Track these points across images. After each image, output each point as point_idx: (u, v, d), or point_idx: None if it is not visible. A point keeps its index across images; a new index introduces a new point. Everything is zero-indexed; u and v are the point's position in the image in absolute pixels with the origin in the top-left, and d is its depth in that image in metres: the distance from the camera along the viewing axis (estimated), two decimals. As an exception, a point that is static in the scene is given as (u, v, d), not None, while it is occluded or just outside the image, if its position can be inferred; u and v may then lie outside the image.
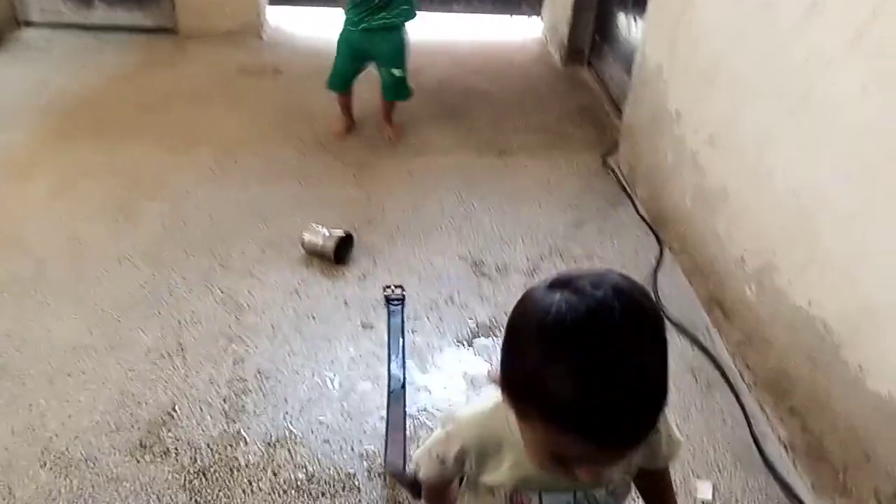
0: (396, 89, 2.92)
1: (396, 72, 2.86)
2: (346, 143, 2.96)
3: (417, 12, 2.81)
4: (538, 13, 4.39)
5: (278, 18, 4.13)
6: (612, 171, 2.88)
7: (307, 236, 2.27)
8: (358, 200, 2.60)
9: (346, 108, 3.03)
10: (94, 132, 2.91)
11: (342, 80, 2.92)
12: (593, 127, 3.26)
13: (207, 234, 2.35)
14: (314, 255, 2.27)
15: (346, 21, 2.80)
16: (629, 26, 3.28)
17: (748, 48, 1.95)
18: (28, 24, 3.84)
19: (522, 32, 4.36)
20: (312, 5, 4.17)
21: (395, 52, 2.82)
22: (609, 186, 2.79)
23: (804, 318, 1.64)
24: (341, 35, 2.84)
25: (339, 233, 2.27)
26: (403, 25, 2.79)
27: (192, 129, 2.99)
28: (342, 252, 2.26)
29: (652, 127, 2.57)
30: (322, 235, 2.26)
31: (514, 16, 4.43)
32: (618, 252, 2.41)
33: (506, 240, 2.43)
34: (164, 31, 3.89)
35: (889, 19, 1.40)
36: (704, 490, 1.62)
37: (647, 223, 2.53)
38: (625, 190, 2.75)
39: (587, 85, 3.71)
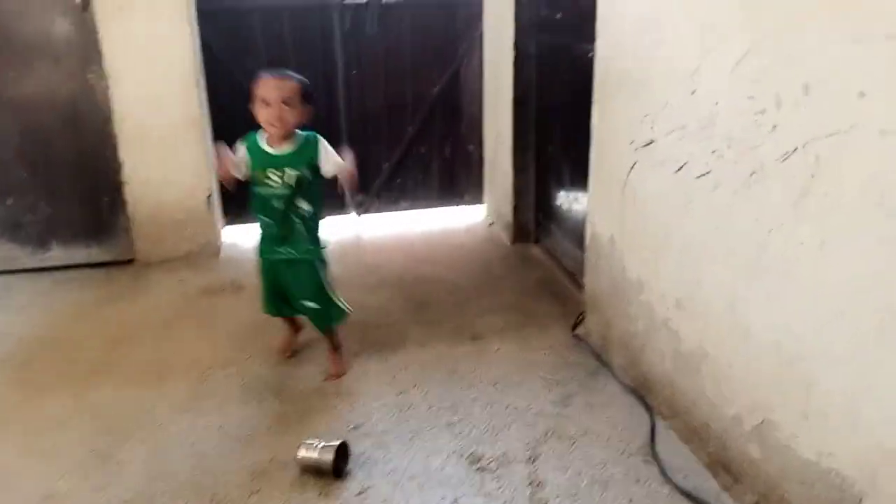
0: (319, 320, 2.73)
1: (310, 304, 2.67)
2: (321, 351, 2.96)
3: (327, 248, 2.70)
4: (480, 200, 4.67)
5: (232, 235, 4.26)
6: (584, 341, 2.95)
7: (301, 452, 2.20)
8: (341, 408, 2.57)
9: (289, 324, 2.90)
10: (60, 378, 2.83)
11: (271, 305, 2.75)
12: (555, 300, 3.38)
13: (193, 470, 2.25)
14: (310, 471, 2.19)
15: (258, 247, 2.67)
16: (570, 203, 3.52)
17: (695, 215, 2.11)
18: (-19, 272, 3.84)
19: (468, 219, 4.61)
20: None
21: (305, 286, 2.64)
22: (585, 358, 2.85)
23: (817, 472, 1.66)
24: (258, 252, 2.68)
25: (334, 443, 2.22)
26: (314, 262, 2.64)
27: (162, 359, 2.95)
28: (340, 464, 2.20)
29: (616, 296, 2.68)
30: (317, 449, 2.20)
31: (458, 206, 4.69)
32: (611, 424, 2.41)
33: (499, 428, 2.41)
34: (123, 262, 3.94)
35: (827, 180, 1.56)
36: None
37: (632, 390, 2.57)
38: (600, 360, 2.81)
39: (539, 261, 3.89)
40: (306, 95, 2.46)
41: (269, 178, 2.48)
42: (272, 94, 2.37)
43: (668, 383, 2.36)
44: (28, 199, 3.81)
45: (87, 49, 3.64)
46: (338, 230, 4.41)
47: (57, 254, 3.91)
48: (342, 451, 2.22)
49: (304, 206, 2.55)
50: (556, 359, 2.86)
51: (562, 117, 3.56)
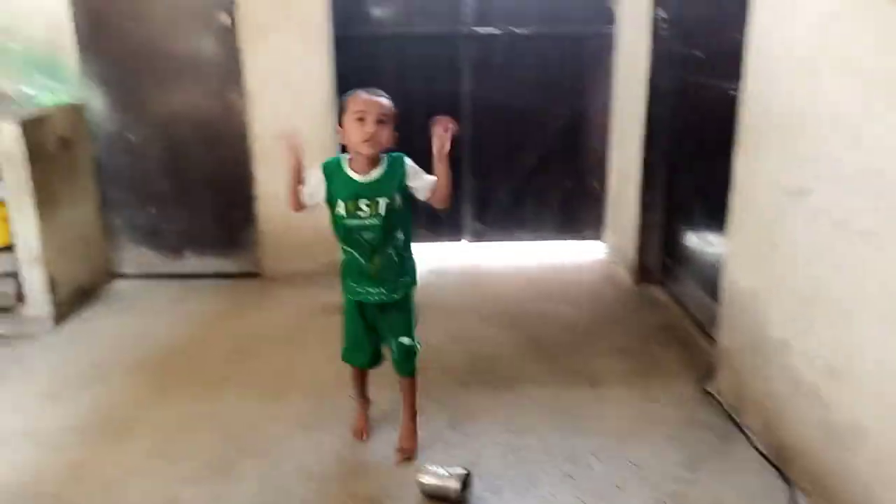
0: (407, 359, 2.44)
1: (405, 340, 2.42)
2: (435, 379, 2.93)
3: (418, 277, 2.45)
4: (599, 236, 4.54)
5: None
6: (715, 398, 2.77)
7: (426, 478, 2.20)
8: (455, 444, 2.52)
9: (360, 389, 2.58)
10: (188, 382, 2.95)
11: (356, 352, 2.47)
12: (681, 349, 3.21)
13: (307, 492, 2.27)
14: (433, 497, 2.19)
15: (343, 284, 2.40)
16: (701, 247, 3.35)
17: (856, 274, 1.93)
18: (121, 276, 4.08)
19: (587, 255, 4.49)
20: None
21: (400, 322, 2.40)
22: (715, 417, 2.67)
23: None
24: (344, 288, 2.41)
25: (460, 470, 2.20)
26: (408, 296, 2.42)
27: (283, 373, 3.02)
28: (464, 492, 2.18)
29: (755, 354, 2.51)
30: (442, 476, 2.19)
31: (576, 240, 4.58)
32: (745, 496, 2.23)
33: (620, 486, 2.28)
34: (250, 275, 4.09)
35: None
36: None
37: (768, 460, 2.38)
38: (732, 420, 2.63)
39: (663, 304, 3.72)
40: (397, 118, 2.26)
41: (359, 208, 2.21)
42: (369, 109, 2.17)
43: (813, 456, 2.16)
44: (168, 210, 4.03)
45: (230, 68, 3.82)
46: (451, 256, 4.41)
47: (190, 262, 4.11)
48: (467, 481, 2.21)
49: (399, 235, 2.30)
50: (684, 414, 2.70)
51: (696, 157, 3.40)
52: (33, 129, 3.29)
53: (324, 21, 3.83)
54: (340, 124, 2.22)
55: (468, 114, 4.31)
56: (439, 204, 2.28)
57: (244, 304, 3.79)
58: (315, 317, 3.59)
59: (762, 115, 2.42)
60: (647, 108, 3.66)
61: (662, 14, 3.54)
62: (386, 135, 2.20)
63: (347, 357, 2.50)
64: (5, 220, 3.27)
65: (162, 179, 3.99)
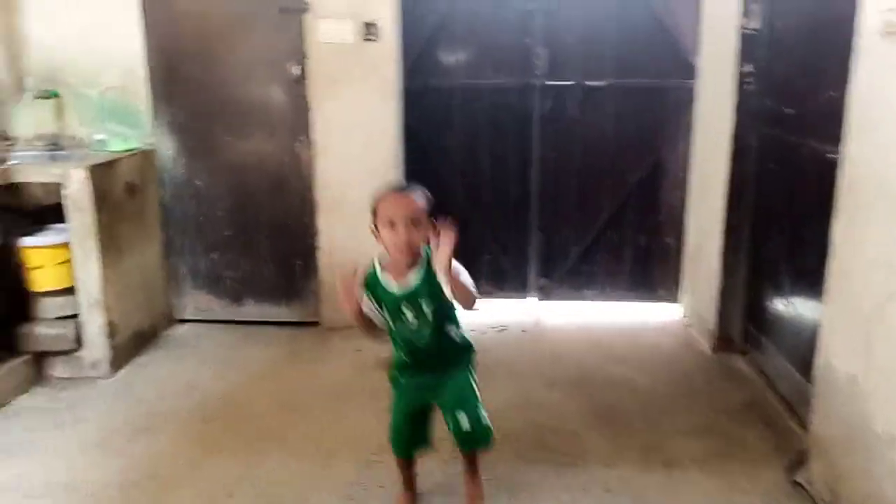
0: (473, 434, 2.26)
1: (464, 414, 2.24)
2: (494, 461, 2.72)
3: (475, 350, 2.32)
4: (675, 298, 4.27)
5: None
6: (806, 492, 2.47)
7: None
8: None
9: (408, 480, 2.41)
10: (237, 439, 2.84)
11: (404, 443, 2.33)
12: (766, 431, 2.91)
13: (350, 574, 2.10)
14: None
15: (395, 369, 2.29)
16: (791, 317, 3.06)
17: None
18: (181, 321, 4.06)
19: (660, 317, 4.22)
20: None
21: (458, 390, 2.25)
22: (807, 513, 2.38)
23: None
24: (394, 384, 2.31)
25: None
26: (468, 366, 2.30)
27: (330, 434, 2.87)
28: None
29: (855, 447, 2.21)
30: None
31: (649, 301, 4.32)
32: None
33: (698, 592, 2.02)
34: (308, 324, 4.01)
35: None
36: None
37: (872, 570, 2.08)
38: (827, 518, 2.33)
39: (745, 377, 3.41)
40: (431, 212, 2.09)
41: (404, 314, 2.11)
42: (399, 213, 2.02)
43: (929, 575, 1.86)
44: (230, 256, 4.01)
45: (298, 119, 3.80)
46: (515, 314, 4.22)
47: (249, 309, 4.06)
48: None
49: (453, 329, 2.20)
50: (770, 508, 2.41)
51: (785, 218, 3.14)
52: (101, 174, 3.31)
53: (394, 73, 3.79)
54: (375, 225, 2.11)
55: (538, 166, 4.16)
56: (462, 303, 2.07)
57: (299, 354, 3.69)
58: (368, 372, 3.45)
59: (868, 182, 2.17)
60: (731, 165, 3.42)
61: (749, 68, 3.33)
62: (419, 236, 2.05)
63: (395, 448, 2.36)
64: (69, 262, 3.27)
65: (226, 226, 3.97)
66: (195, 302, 4.06)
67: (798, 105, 3.00)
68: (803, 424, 2.85)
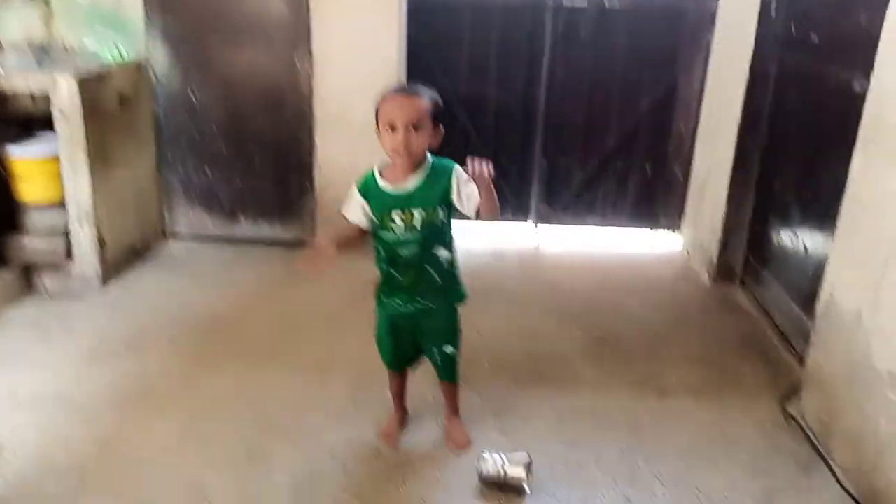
0: (449, 367, 2.27)
1: (448, 349, 2.23)
2: (486, 374, 2.72)
3: (467, 293, 2.21)
4: (677, 227, 4.20)
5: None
6: (798, 423, 2.46)
7: (487, 467, 2.10)
8: (504, 448, 2.29)
9: (398, 395, 2.38)
10: (229, 357, 2.82)
11: (391, 356, 2.28)
12: (762, 363, 2.89)
13: (343, 490, 2.10)
14: (493, 486, 2.10)
15: (378, 287, 2.19)
16: (795, 251, 3.00)
17: None
18: (174, 236, 4.00)
19: (661, 246, 4.17)
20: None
21: (441, 331, 2.21)
22: (797, 445, 2.37)
23: None
24: (377, 302, 2.22)
25: (522, 457, 2.11)
26: (450, 306, 2.21)
27: (325, 354, 2.86)
28: (529, 479, 2.09)
29: (852, 383, 2.19)
30: (503, 464, 2.09)
31: (650, 229, 4.26)
32: (830, 543, 1.96)
33: (686, 518, 2.04)
34: (304, 243, 3.93)
35: None
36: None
37: (856, 500, 2.08)
38: (816, 450, 2.32)
39: (744, 309, 3.38)
40: (438, 114, 1.98)
41: (392, 221, 2.00)
42: (398, 115, 1.90)
43: (917, 509, 1.86)
44: (224, 172, 3.91)
45: (298, 32, 3.63)
46: (514, 238, 4.16)
47: (244, 227, 3.99)
48: (529, 467, 2.11)
49: (442, 252, 2.08)
50: (763, 440, 2.40)
51: (800, 153, 3.04)
52: (92, 84, 3.18)
53: (398, -15, 3.60)
54: (377, 126, 1.97)
55: (546, 90, 4.01)
56: (486, 218, 1.99)
57: (295, 276, 3.64)
58: (364, 293, 3.39)
59: (892, 114, 2.07)
60: (747, 93, 3.28)
61: (773, -11, 3.16)
62: (421, 140, 1.94)
63: (386, 362, 2.32)
64: (58, 175, 3.18)
65: (221, 141, 3.86)
66: (189, 218, 3.99)
67: (826, 32, 2.84)
68: (799, 357, 2.84)
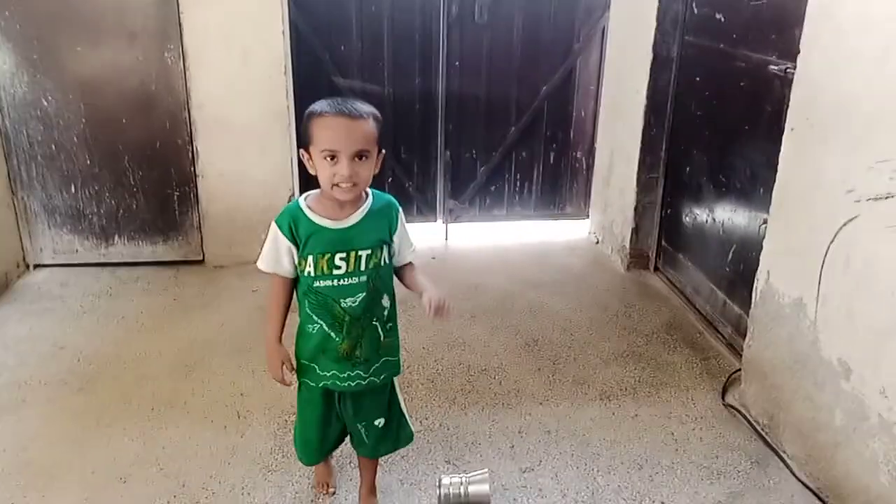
0: (380, 441, 1.87)
1: (377, 422, 1.84)
2: (423, 396, 2.52)
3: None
4: (584, 215, 4.16)
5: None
6: (741, 415, 2.44)
7: (445, 492, 1.90)
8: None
9: (324, 478, 2.06)
10: (124, 410, 2.44)
11: (318, 453, 1.92)
12: (691, 352, 2.87)
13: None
14: None
15: (301, 369, 1.76)
16: (712, 232, 3.00)
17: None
18: (38, 266, 3.48)
19: (569, 235, 4.11)
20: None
21: (375, 407, 1.82)
22: (744, 439, 2.35)
23: None
24: (300, 391, 1.81)
25: (483, 476, 1.93)
26: (391, 381, 1.84)
27: (239, 393, 2.53)
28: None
29: (798, 373, 2.17)
30: (464, 484, 1.91)
31: (557, 219, 4.19)
32: (802, 545, 1.92)
33: (659, 538, 1.94)
34: (190, 262, 3.55)
35: None
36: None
37: (819, 497, 2.07)
38: (765, 442, 2.31)
39: (662, 295, 3.37)
40: (381, 136, 1.62)
41: (335, 267, 1.64)
42: (342, 144, 1.53)
43: (879, 501, 1.85)
44: (92, 189, 3.43)
45: (165, 23, 3.21)
46: (425, 239, 3.96)
47: (120, 249, 3.54)
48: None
49: (386, 302, 1.73)
50: (709, 436, 2.36)
51: (710, 135, 3.02)
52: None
53: (276, -35, 3.25)
54: (306, 148, 1.60)
55: (444, 78, 3.81)
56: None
57: (186, 299, 3.26)
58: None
59: (825, 100, 2.03)
60: (651, 75, 3.24)
61: (672, -33, 3.11)
62: (368, 171, 1.58)
63: (303, 457, 1.93)
64: None
65: (85, 153, 3.36)
66: (54, 243, 3.48)
67: (731, 10, 2.81)
68: (727, 343, 2.84)
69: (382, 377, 1.76)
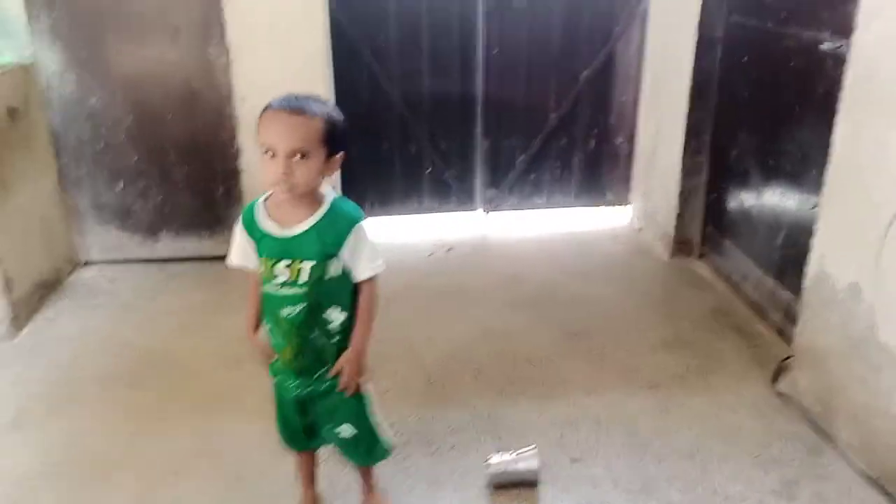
0: (356, 450, 1.85)
1: (347, 431, 1.79)
2: (468, 386, 2.52)
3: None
4: (625, 202, 4.10)
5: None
6: (793, 402, 2.39)
7: (498, 469, 2.03)
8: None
9: (307, 476, 1.99)
10: (177, 403, 2.49)
11: (291, 436, 1.86)
12: (740, 338, 2.83)
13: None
14: (507, 486, 2.04)
15: (272, 365, 1.76)
16: (761, 217, 2.93)
17: None
18: (88, 263, 3.56)
19: (611, 223, 4.06)
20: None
21: (341, 413, 1.77)
22: (798, 426, 2.30)
23: None
24: (274, 380, 1.80)
25: (529, 450, 2.07)
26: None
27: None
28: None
29: (854, 359, 2.12)
30: (513, 461, 2.04)
31: (598, 206, 4.14)
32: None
33: (713, 527, 1.92)
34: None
35: None
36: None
37: (874, 481, 2.02)
38: (820, 431, 2.26)
39: (707, 282, 3.32)
40: (336, 138, 1.53)
41: (276, 275, 1.58)
42: (279, 140, 1.47)
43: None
44: (139, 185, 3.49)
45: (209, 21, 3.25)
46: (463, 229, 3.95)
47: (166, 245, 3.60)
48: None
49: (332, 316, 1.65)
50: (761, 424, 2.32)
51: (757, 117, 2.95)
52: (-30, 98, 2.72)
53: (316, -40, 3.27)
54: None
55: (483, 66, 3.78)
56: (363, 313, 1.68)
57: (232, 294, 3.25)
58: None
59: (883, 79, 1.96)
60: (695, 57, 3.17)
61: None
62: (307, 172, 1.50)
63: (284, 443, 1.89)
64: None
65: (131, 150, 3.43)
66: (103, 240, 3.55)
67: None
68: (778, 330, 2.79)
69: (325, 386, 1.70)
